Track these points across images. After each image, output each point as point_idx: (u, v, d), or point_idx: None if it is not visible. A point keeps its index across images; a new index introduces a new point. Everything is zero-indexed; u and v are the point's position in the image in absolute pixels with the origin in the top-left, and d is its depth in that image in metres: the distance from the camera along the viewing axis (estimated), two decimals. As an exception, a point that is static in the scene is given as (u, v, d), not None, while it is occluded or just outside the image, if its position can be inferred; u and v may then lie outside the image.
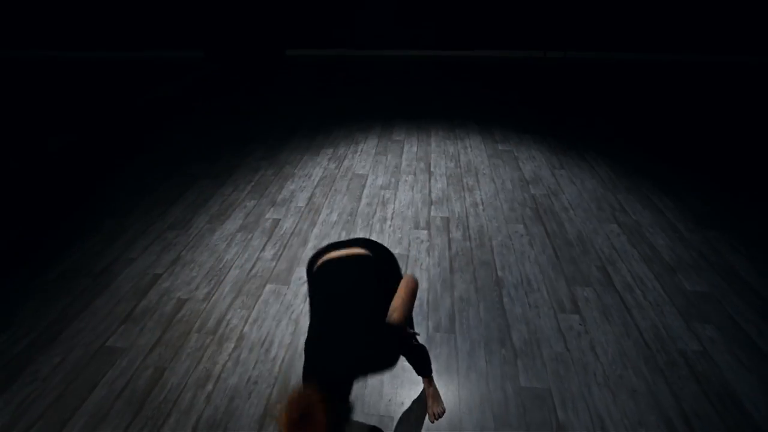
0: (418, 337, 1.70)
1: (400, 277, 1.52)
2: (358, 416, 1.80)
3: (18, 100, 6.04)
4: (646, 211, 3.15)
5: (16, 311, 2.37)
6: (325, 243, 2.87)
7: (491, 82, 6.29)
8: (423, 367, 1.70)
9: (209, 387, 1.94)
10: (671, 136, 4.37)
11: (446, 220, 3.08)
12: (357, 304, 1.28)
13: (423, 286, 2.48)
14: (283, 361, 2.05)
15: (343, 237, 2.92)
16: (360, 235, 2.94)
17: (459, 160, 3.95)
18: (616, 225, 3.00)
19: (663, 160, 3.88)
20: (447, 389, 1.90)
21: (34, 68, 7.80)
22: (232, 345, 2.14)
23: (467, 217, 3.12)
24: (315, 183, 3.61)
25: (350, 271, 1.40)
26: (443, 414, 1.80)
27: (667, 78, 6.36)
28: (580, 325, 2.21)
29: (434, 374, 1.97)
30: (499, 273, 2.57)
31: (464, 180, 3.62)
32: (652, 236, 2.88)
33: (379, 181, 3.62)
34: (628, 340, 2.13)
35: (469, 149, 4.17)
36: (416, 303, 2.25)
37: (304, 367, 1.22)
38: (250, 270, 2.64)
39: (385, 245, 1.36)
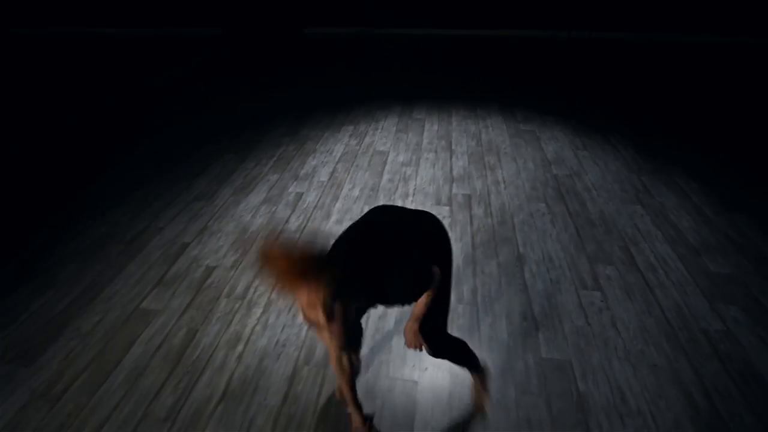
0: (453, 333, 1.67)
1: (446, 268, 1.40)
2: (382, 380, 1.87)
3: (42, 75, 6.15)
4: (671, 194, 3.11)
5: (55, 275, 2.49)
6: (348, 217, 2.92)
7: (514, 62, 6.18)
8: (471, 364, 1.62)
9: (240, 348, 2.03)
10: (701, 121, 4.26)
11: (468, 198, 3.09)
12: (400, 243, 1.26)
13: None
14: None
15: (365, 211, 2.96)
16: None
17: (480, 139, 3.93)
18: (639, 206, 2.98)
19: (691, 145, 3.80)
20: (469, 358, 1.95)
21: (57, 44, 7.90)
22: (261, 310, 2.23)
23: (489, 194, 3.12)
24: (336, 158, 3.64)
25: (409, 217, 1.37)
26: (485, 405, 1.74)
27: (700, 60, 6.15)
28: (602, 301, 2.23)
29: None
30: (521, 249, 2.59)
31: (486, 159, 3.61)
32: (676, 218, 2.86)
33: (401, 158, 3.63)
34: (650, 317, 2.14)
35: (490, 129, 4.13)
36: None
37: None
38: (276, 240, 2.71)
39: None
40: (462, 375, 1.88)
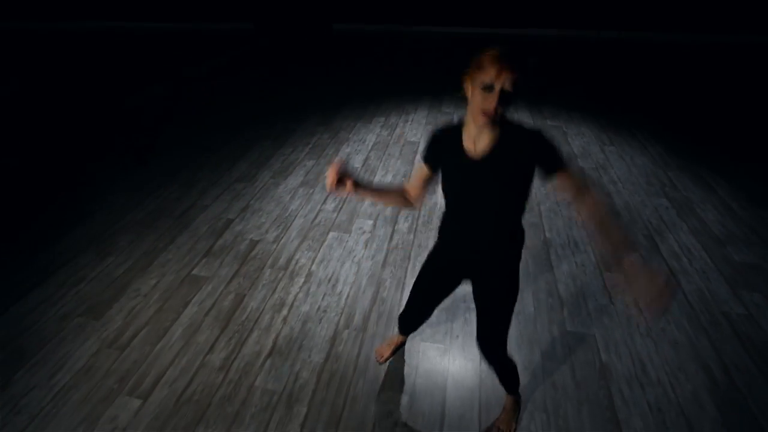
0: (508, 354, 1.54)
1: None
2: (418, 344, 2.02)
3: (84, 68, 6.51)
4: (697, 189, 3.17)
5: (114, 242, 2.72)
6: (380, 200, 3.07)
7: (543, 61, 6.23)
8: (509, 384, 1.61)
9: (284, 312, 2.21)
10: (729, 120, 4.27)
11: (495, 187, 3.21)
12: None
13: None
14: (348, 296, 2.29)
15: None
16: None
17: (507, 133, 4.03)
18: (665, 199, 3.05)
19: (719, 144, 3.83)
20: (497, 328, 2.09)
21: (99, 39, 8.31)
22: (302, 280, 2.40)
23: (516, 184, 3.24)
24: (369, 147, 3.81)
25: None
26: None
27: (729, 60, 6.10)
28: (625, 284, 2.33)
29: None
30: (547, 234, 2.71)
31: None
32: (702, 211, 2.92)
33: (429, 149, 3.76)
34: (673, 300, 2.23)
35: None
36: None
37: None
38: (314, 219, 2.89)
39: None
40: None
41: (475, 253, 1.32)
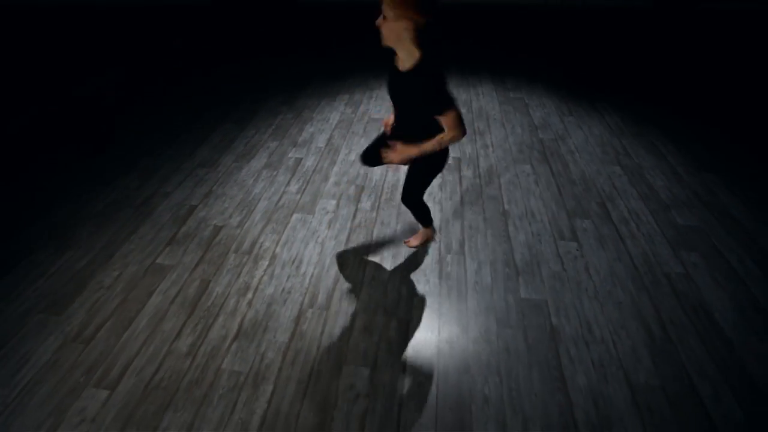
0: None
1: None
2: (379, 318, 2.10)
3: (36, 49, 6.13)
4: (649, 156, 3.30)
5: (74, 234, 2.67)
6: (345, 179, 3.09)
7: (507, 30, 6.21)
8: (423, 219, 2.26)
9: (249, 295, 2.25)
10: (684, 86, 4.41)
11: (458, 161, 3.27)
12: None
13: (436, 216, 2.72)
14: (312, 276, 2.34)
15: (362, 174, 3.14)
16: (377, 171, 3.15)
17: (471, 107, 4.07)
18: (618, 167, 3.18)
19: (673, 110, 3.96)
20: (456, 299, 2.19)
21: (52, 15, 7.79)
22: (267, 263, 2.44)
23: (478, 157, 3.30)
24: (333, 126, 3.78)
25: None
26: (412, 246, 2.49)
27: (693, 26, 6.22)
28: (577, 250, 2.46)
29: (445, 284, 2.25)
30: (506, 206, 2.80)
31: (475, 124, 3.76)
32: (651, 178, 3.06)
33: (394, 126, 3.77)
34: (620, 263, 2.38)
35: (481, 96, 4.26)
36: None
37: None
38: (278, 202, 2.90)
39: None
40: (447, 314, 2.12)
41: (400, 135, 1.85)
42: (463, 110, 4.00)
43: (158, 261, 2.48)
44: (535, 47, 5.53)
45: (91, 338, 2.04)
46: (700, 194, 2.89)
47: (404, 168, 3.19)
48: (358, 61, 5.20)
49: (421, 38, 1.47)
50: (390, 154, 1.81)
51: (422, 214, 2.25)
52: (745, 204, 2.81)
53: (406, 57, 1.54)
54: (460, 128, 1.60)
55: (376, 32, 6.32)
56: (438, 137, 1.68)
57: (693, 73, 4.69)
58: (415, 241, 2.47)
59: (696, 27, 6.20)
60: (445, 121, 1.57)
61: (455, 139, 1.64)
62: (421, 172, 1.98)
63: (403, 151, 1.78)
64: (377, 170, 3.18)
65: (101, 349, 1.99)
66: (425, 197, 2.88)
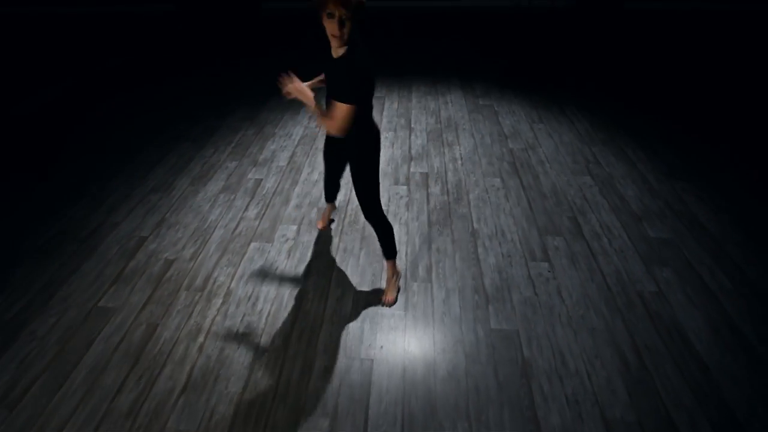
0: (385, 215, 2.07)
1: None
2: (341, 360, 1.96)
3: (-19, 61, 5.75)
4: (619, 164, 3.25)
5: (8, 277, 2.44)
6: (307, 201, 2.93)
7: (476, 35, 6.14)
8: (387, 248, 2.11)
9: (201, 339, 2.07)
10: (653, 89, 4.40)
11: (425, 176, 3.15)
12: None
13: (402, 239, 2.59)
14: (269, 314, 2.18)
15: (323, 196, 2.98)
16: (341, 191, 3.00)
17: (439, 116, 3.96)
18: (589, 177, 3.11)
19: (642, 114, 3.93)
20: (423, 333, 2.06)
21: (-7, 25, 7.34)
22: (220, 300, 2.26)
23: (446, 172, 3.19)
24: (296, 142, 3.61)
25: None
26: (392, 304, 2.20)
27: (657, 28, 6.26)
28: (549, 271, 2.36)
29: (411, 317, 2.12)
30: (475, 225, 2.69)
31: (444, 135, 3.65)
32: (622, 187, 3.00)
33: (361, 139, 3.62)
34: (592, 284, 2.29)
35: (450, 105, 4.16)
36: (397, 255, 2.34)
37: None
38: (235, 229, 2.71)
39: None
40: (413, 352, 1.99)
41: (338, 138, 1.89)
42: (431, 120, 3.88)
43: (101, 303, 2.27)
44: (506, 51, 5.47)
45: (17, 401, 1.83)
46: (670, 203, 2.84)
47: None
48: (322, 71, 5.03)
49: (352, 34, 1.59)
50: (287, 84, 1.74)
51: (386, 236, 2.08)
52: (715, 212, 2.77)
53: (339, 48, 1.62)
54: (338, 125, 1.63)
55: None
56: (322, 110, 1.69)
57: (660, 73, 4.70)
58: (391, 296, 2.21)
59: (662, 27, 6.25)
60: (336, 109, 1.60)
61: (329, 128, 1.65)
62: (359, 168, 1.89)
63: (299, 88, 1.71)
64: (340, 191, 3.03)
65: (29, 413, 1.78)
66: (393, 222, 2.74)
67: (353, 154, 1.87)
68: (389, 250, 2.13)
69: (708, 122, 3.75)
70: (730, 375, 1.84)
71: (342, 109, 1.59)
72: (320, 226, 2.68)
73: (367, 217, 2.03)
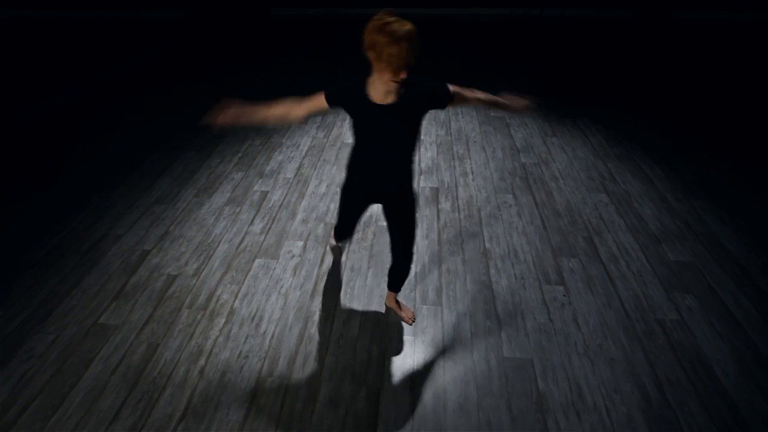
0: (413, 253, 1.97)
1: None
2: (346, 387, 1.87)
3: (-9, 65, 5.77)
4: (636, 181, 3.15)
5: (7, 290, 2.38)
6: (313, 216, 2.86)
7: (487, 43, 6.07)
8: (401, 283, 2.06)
9: (202, 362, 2.00)
10: (670, 101, 4.30)
11: (435, 191, 3.07)
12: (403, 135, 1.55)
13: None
14: (273, 336, 2.10)
15: (331, 209, 2.91)
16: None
17: (450, 128, 3.88)
18: (605, 194, 3.01)
19: (659, 127, 3.83)
20: (433, 361, 1.97)
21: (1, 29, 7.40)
22: (223, 320, 2.19)
23: (456, 187, 3.10)
24: (303, 153, 3.55)
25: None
26: (414, 317, 2.16)
27: (678, 37, 6.16)
28: (564, 296, 2.27)
29: (420, 342, 2.03)
30: (487, 245, 2.60)
31: (454, 148, 3.57)
32: (639, 206, 2.90)
33: (369, 151, 3.55)
34: (610, 310, 2.19)
35: (460, 116, 4.08)
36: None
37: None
38: (239, 244, 2.65)
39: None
40: (422, 380, 1.90)
41: (379, 181, 1.66)
42: (441, 132, 3.80)
43: (101, 320, 2.21)
44: (516, 60, 5.39)
45: (12, 424, 1.76)
46: (690, 223, 2.74)
47: None
48: (335, 77, 4.98)
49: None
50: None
51: (406, 275, 2.03)
52: (736, 233, 2.66)
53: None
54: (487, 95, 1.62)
55: (353, 47, 6.12)
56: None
57: (679, 85, 4.59)
58: (409, 312, 2.17)
59: (675, 37, 6.14)
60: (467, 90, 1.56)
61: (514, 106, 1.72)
62: (413, 214, 1.81)
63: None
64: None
65: (23, 438, 1.72)
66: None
67: (404, 195, 1.71)
68: (400, 285, 2.10)
69: (728, 138, 3.64)
70: (760, 415, 1.73)
71: (458, 93, 1.51)
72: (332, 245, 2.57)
73: (408, 258, 1.91)
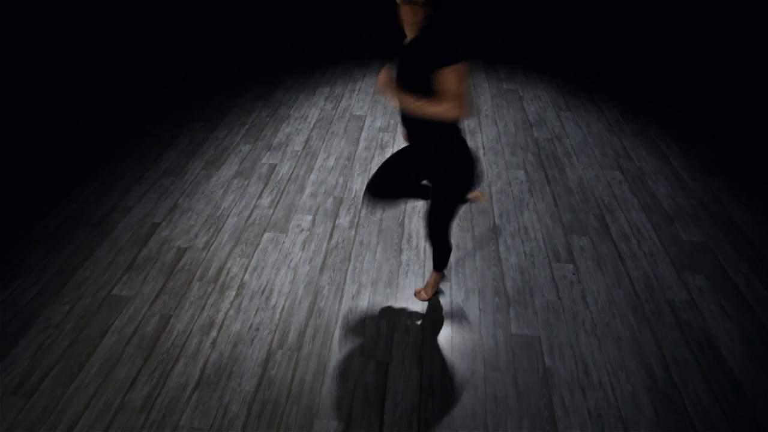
0: (449, 237, 1.91)
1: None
2: (356, 360, 1.91)
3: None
4: (651, 158, 3.07)
5: (22, 261, 2.42)
6: (322, 189, 2.84)
7: (499, 12, 5.82)
8: (440, 263, 2.00)
9: (213, 333, 2.04)
10: (690, 74, 4.13)
11: (445, 167, 3.02)
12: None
13: (421, 233, 2.50)
14: (283, 309, 2.13)
15: (340, 183, 2.88)
16: (357, 180, 2.90)
17: (461, 101, 3.78)
18: (618, 172, 2.95)
19: (677, 103, 3.70)
20: (440, 336, 1.99)
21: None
22: (234, 293, 2.22)
23: (467, 163, 3.05)
24: (311, 125, 3.49)
25: None
26: (425, 300, 2.14)
27: (695, 8, 5.86)
28: (574, 274, 2.26)
29: (429, 318, 2.05)
30: (497, 221, 2.58)
31: (466, 122, 3.49)
32: (654, 184, 2.84)
33: (378, 123, 3.49)
34: (619, 289, 2.19)
35: (472, 88, 3.97)
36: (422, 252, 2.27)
37: None
38: (248, 218, 2.65)
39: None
40: (430, 355, 1.93)
41: (415, 143, 1.60)
42: (452, 105, 3.71)
43: (114, 292, 2.25)
44: (530, 32, 5.18)
45: (34, 390, 1.83)
46: (705, 203, 2.69)
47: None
48: (342, 48, 4.83)
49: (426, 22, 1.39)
50: (384, 84, 1.49)
51: (442, 255, 1.97)
52: (752, 214, 2.61)
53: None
54: (460, 101, 1.33)
55: (361, 17, 5.90)
56: (429, 103, 1.38)
57: (698, 58, 4.40)
58: (426, 294, 2.13)
59: (703, 7, 5.84)
60: (446, 80, 1.32)
61: (449, 113, 1.35)
62: (444, 193, 1.67)
63: (399, 92, 1.47)
64: (356, 180, 2.93)
65: (45, 404, 1.78)
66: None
67: (439, 168, 1.59)
68: (441, 264, 2.03)
69: (748, 115, 3.52)
70: (765, 396, 1.75)
71: (457, 74, 1.30)
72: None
73: (429, 237, 1.88)
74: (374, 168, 3.02)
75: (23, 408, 1.77)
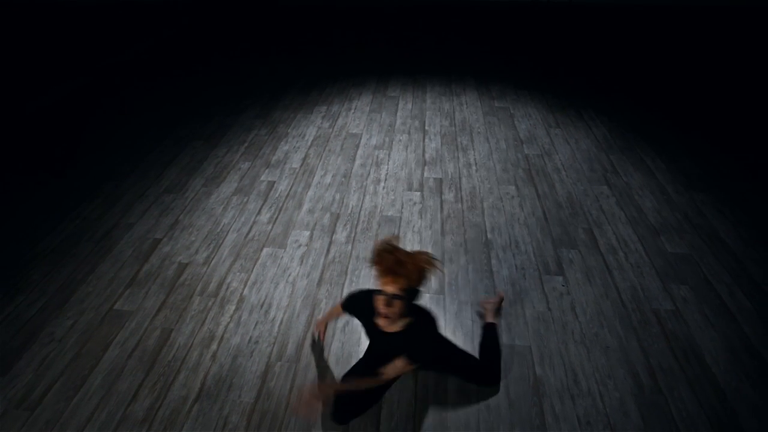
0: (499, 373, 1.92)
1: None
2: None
3: (-2, 52, 5.79)
4: (637, 173, 3.18)
5: (26, 276, 2.48)
6: (319, 206, 2.92)
7: (493, 31, 6.03)
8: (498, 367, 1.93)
9: (214, 347, 2.09)
10: (675, 92, 4.29)
11: (439, 182, 3.12)
12: None
13: (415, 248, 2.58)
14: (281, 322, 2.19)
15: (337, 199, 2.97)
16: (353, 196, 2.98)
17: (454, 118, 3.91)
18: (606, 187, 3.05)
19: (662, 119, 3.84)
20: (434, 347, 2.05)
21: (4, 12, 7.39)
22: (233, 307, 2.27)
23: (460, 178, 3.15)
24: (309, 143, 3.60)
25: None
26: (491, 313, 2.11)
27: (683, 25, 6.09)
28: (563, 286, 2.34)
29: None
30: (489, 235, 2.66)
31: (458, 139, 3.61)
32: (640, 198, 2.94)
33: (373, 141, 3.60)
34: (607, 300, 2.26)
35: (464, 106, 4.10)
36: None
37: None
38: (247, 234, 2.72)
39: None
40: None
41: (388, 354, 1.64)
42: (445, 122, 3.83)
43: (116, 306, 2.30)
44: (523, 48, 5.36)
45: (37, 403, 1.87)
46: (689, 216, 2.79)
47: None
48: (339, 66, 4.99)
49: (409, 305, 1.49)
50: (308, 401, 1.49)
51: (498, 360, 1.93)
52: (735, 227, 2.71)
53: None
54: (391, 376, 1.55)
55: (357, 36, 6.10)
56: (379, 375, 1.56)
57: (681, 76, 4.57)
58: (492, 317, 2.09)
59: (680, 26, 6.07)
60: (398, 366, 1.53)
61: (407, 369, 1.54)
62: (435, 352, 1.67)
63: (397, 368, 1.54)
64: (353, 196, 3.02)
65: (48, 417, 1.82)
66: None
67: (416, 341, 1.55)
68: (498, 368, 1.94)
69: (732, 130, 3.66)
70: (747, 403, 1.81)
71: (404, 367, 1.51)
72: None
73: (488, 380, 1.85)
74: (369, 186, 3.11)
75: (26, 421, 1.81)
